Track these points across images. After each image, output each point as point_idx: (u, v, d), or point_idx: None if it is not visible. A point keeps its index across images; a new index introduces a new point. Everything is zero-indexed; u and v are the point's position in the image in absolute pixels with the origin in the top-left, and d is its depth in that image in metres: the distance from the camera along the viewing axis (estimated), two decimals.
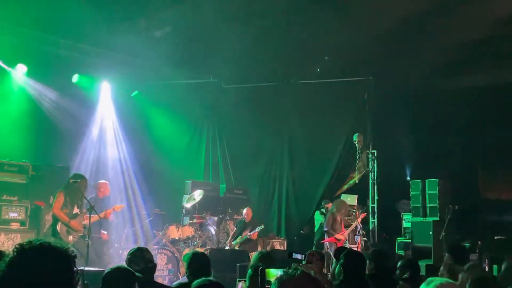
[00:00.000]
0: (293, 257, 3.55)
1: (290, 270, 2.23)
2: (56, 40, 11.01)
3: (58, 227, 7.67)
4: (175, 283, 5.35)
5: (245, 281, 4.66)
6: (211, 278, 3.82)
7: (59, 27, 10.20)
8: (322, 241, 10.75)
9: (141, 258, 4.61)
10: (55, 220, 7.76)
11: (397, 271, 5.23)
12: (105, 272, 4.06)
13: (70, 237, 7.67)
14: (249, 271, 4.28)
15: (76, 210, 7.88)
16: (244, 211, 11.31)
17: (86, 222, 7.85)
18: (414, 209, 11.52)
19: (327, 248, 10.38)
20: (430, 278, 3.33)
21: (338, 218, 10.52)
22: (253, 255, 5.43)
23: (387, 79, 12.47)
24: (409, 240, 11.54)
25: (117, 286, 3.86)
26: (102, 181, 9.50)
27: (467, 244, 9.64)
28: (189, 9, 9.81)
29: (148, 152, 12.60)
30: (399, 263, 5.37)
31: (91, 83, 11.94)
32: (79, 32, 10.46)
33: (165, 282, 8.50)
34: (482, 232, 10.84)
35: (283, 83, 13.24)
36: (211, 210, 11.50)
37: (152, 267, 4.69)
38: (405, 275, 4.97)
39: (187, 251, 9.98)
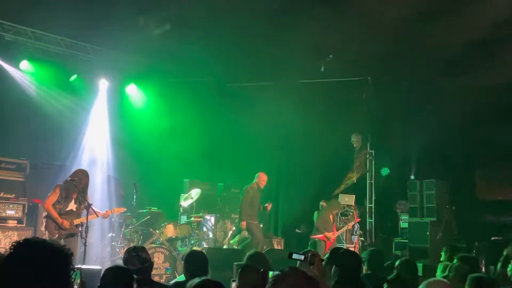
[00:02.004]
0: (293, 257, 3.53)
1: (284, 268, 2.26)
2: (54, 38, 11.02)
3: (48, 222, 7.65)
4: (172, 282, 5.36)
5: None
6: (208, 277, 3.83)
7: (58, 26, 10.20)
8: (312, 236, 10.87)
9: (137, 258, 4.62)
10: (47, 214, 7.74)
11: (394, 271, 5.24)
12: (103, 272, 4.08)
13: (57, 234, 7.58)
14: (239, 270, 4.29)
15: (71, 207, 7.82)
16: None
17: (77, 221, 7.82)
18: (411, 210, 11.55)
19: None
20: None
21: (331, 218, 10.70)
22: (246, 255, 5.44)
23: (385, 79, 12.49)
24: (406, 241, 11.57)
25: (115, 286, 3.87)
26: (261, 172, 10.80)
27: (463, 245, 9.69)
28: (187, 7, 9.81)
29: (145, 150, 12.59)
30: (396, 263, 5.39)
31: (89, 80, 11.94)
32: (77, 30, 10.47)
33: (162, 281, 8.50)
34: (479, 233, 10.85)
35: (281, 82, 13.25)
36: (208, 209, 11.50)
37: (149, 266, 4.69)
38: (401, 275, 4.97)
39: (185, 250, 9.99)
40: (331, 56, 11.56)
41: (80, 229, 8.01)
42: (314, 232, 10.91)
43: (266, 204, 10.67)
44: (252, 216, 10.37)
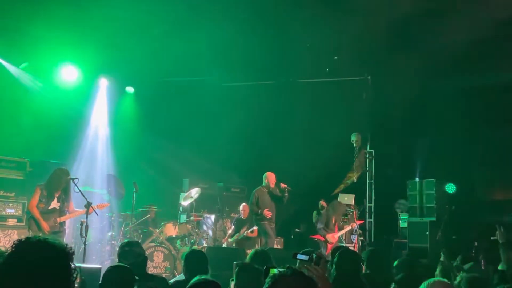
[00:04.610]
0: (297, 257, 3.52)
1: (284, 269, 2.27)
2: (54, 36, 11.01)
3: (31, 223, 7.66)
4: (171, 280, 5.36)
5: None
6: (206, 276, 3.83)
7: (58, 24, 10.19)
8: (311, 236, 10.83)
9: (130, 252, 4.63)
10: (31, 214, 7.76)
11: (393, 271, 5.24)
12: (105, 270, 4.08)
13: (40, 233, 7.54)
14: (236, 268, 4.29)
15: (54, 205, 7.80)
16: (241, 207, 11.32)
17: (61, 219, 7.81)
18: (411, 209, 11.55)
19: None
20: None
21: (333, 220, 10.60)
22: (249, 253, 5.43)
23: (385, 78, 12.49)
24: (406, 240, 11.57)
25: (116, 285, 3.88)
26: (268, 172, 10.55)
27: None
28: (187, 6, 9.81)
29: (145, 149, 12.60)
30: (394, 263, 5.38)
31: (89, 79, 11.95)
32: (77, 28, 10.46)
33: None
34: (478, 232, 10.86)
35: (281, 82, 13.24)
36: (208, 208, 11.51)
37: (142, 260, 4.70)
38: (400, 275, 4.97)
39: (185, 249, 10.00)
40: (336, 57, 11.56)
41: (65, 227, 8.05)
42: (315, 232, 10.89)
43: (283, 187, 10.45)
44: (264, 217, 10.26)
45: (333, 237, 10.46)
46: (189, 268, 4.78)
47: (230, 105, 13.59)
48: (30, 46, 10.79)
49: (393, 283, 4.63)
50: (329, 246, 10.41)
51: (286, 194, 10.37)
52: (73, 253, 2.02)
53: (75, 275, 2.00)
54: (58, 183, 7.80)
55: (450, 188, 11.29)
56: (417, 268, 5.34)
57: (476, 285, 4.26)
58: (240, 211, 11.29)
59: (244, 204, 11.35)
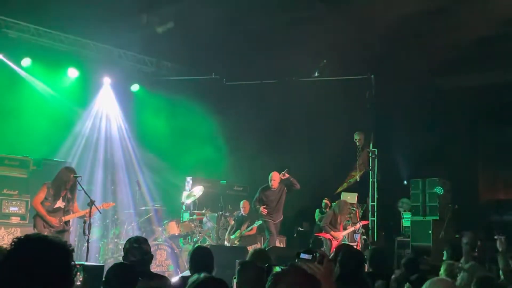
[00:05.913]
0: (301, 257, 3.51)
1: (285, 267, 2.27)
2: (58, 35, 11.04)
3: (36, 220, 7.67)
4: (177, 277, 5.37)
5: None
6: (212, 274, 3.83)
7: (62, 22, 10.22)
8: (317, 234, 10.83)
9: (139, 249, 4.63)
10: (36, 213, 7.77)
11: (402, 270, 5.21)
12: (108, 268, 4.08)
13: (46, 231, 7.50)
14: (238, 267, 4.29)
15: (59, 204, 7.81)
16: (241, 204, 11.32)
17: (66, 218, 7.82)
18: (414, 208, 11.53)
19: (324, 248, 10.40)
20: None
21: (339, 219, 10.58)
22: (249, 251, 5.43)
23: (388, 77, 12.47)
24: (409, 239, 11.55)
25: (119, 282, 3.88)
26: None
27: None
28: (191, 5, 9.82)
29: (148, 148, 12.62)
30: (403, 262, 5.35)
31: (92, 78, 11.96)
32: (81, 27, 10.49)
33: None
34: (482, 231, 10.84)
35: (284, 81, 13.22)
36: (211, 207, 11.51)
37: (149, 258, 4.71)
38: (414, 276, 4.94)
39: (188, 247, 10.00)
40: (324, 61, 11.57)
41: (70, 225, 8.06)
42: (318, 230, 10.86)
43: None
44: (267, 214, 10.30)
45: (339, 235, 10.47)
46: (194, 265, 4.79)
47: (233, 103, 13.60)
48: (32, 44, 10.83)
49: (407, 283, 4.61)
50: (334, 244, 10.39)
51: (294, 183, 10.55)
52: (72, 250, 2.02)
53: (75, 273, 2.00)
54: (65, 182, 7.80)
55: (439, 190, 11.33)
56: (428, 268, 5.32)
57: (486, 285, 4.24)
58: (241, 208, 11.31)
59: (244, 201, 11.36)
